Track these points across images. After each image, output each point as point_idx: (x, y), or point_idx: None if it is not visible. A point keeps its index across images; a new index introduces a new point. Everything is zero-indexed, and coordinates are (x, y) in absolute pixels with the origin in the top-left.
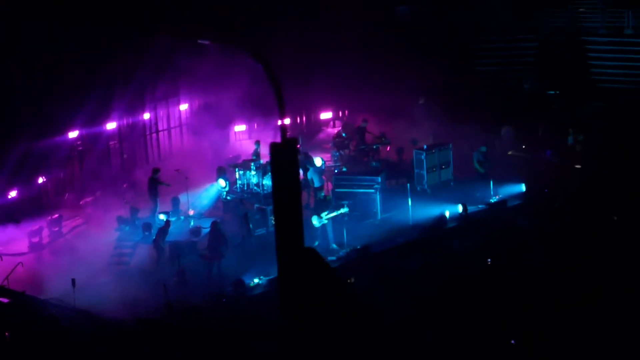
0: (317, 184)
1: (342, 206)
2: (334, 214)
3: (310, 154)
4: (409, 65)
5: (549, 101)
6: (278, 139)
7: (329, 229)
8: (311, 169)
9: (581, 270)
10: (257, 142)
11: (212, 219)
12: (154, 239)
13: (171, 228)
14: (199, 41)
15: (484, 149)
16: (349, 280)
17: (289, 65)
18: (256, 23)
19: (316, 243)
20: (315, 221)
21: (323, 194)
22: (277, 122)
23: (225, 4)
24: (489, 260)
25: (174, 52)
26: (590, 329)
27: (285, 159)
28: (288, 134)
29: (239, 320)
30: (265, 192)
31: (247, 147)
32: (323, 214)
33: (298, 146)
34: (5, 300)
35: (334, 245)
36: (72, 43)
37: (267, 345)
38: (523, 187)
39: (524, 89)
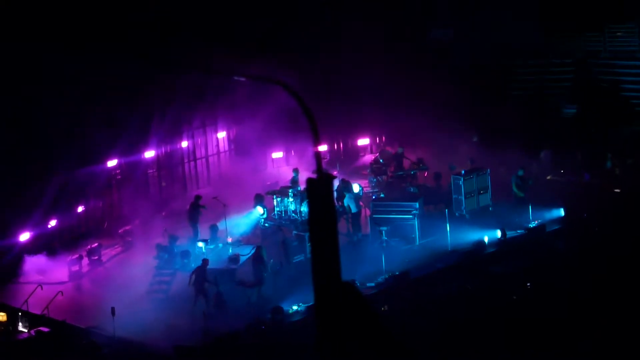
0: (354, 209)
1: None
2: None
3: (348, 180)
4: (445, 90)
5: (587, 125)
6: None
7: None
8: (347, 195)
9: (621, 293)
10: (296, 170)
11: (250, 247)
12: (193, 281)
13: (210, 255)
14: (234, 77)
15: (520, 172)
16: (382, 309)
17: (326, 93)
18: (294, 52)
19: None
20: None
21: None
22: (314, 149)
23: (260, 32)
24: (529, 284)
25: (211, 80)
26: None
27: (322, 194)
28: (326, 160)
29: (277, 347)
30: (303, 219)
31: (284, 173)
32: None
33: (335, 172)
34: (45, 329)
35: None
36: (110, 75)
37: None
38: (562, 212)
39: (562, 113)
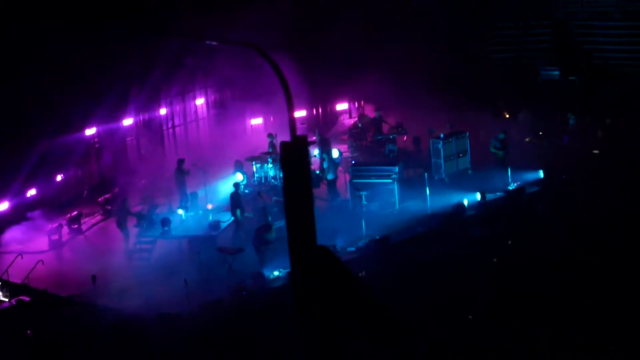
0: (330, 176)
1: None
2: None
3: (327, 139)
4: (423, 54)
5: (565, 87)
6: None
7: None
8: (327, 158)
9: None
10: (270, 135)
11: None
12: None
13: (190, 223)
14: (207, 42)
15: (502, 135)
16: (359, 274)
17: (304, 58)
18: (271, 17)
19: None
20: None
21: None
22: (289, 114)
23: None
24: (510, 242)
25: (188, 46)
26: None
27: (296, 157)
28: (304, 126)
29: (260, 312)
30: (282, 184)
31: (264, 139)
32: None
33: (313, 138)
34: (26, 298)
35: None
36: (86, 42)
37: (286, 337)
38: (541, 174)
39: (541, 75)
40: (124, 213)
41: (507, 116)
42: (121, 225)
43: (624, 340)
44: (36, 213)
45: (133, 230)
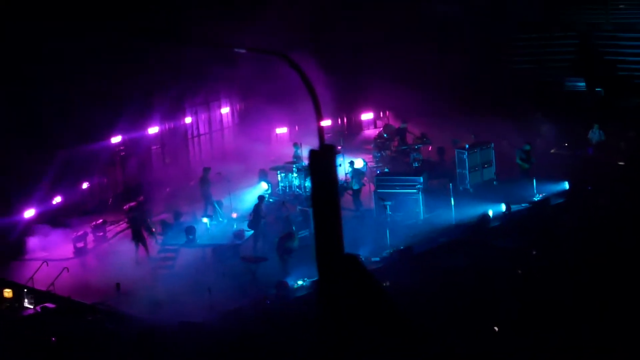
0: (355, 186)
1: None
2: None
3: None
4: (448, 64)
5: (590, 98)
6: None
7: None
8: (352, 169)
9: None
10: (296, 145)
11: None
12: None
13: (214, 231)
14: (235, 50)
15: (527, 147)
16: (385, 284)
17: (329, 68)
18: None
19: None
20: None
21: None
22: (317, 124)
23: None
24: (534, 252)
25: (214, 54)
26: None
27: (324, 165)
28: (330, 135)
29: (282, 321)
30: (307, 194)
31: (288, 148)
32: None
33: (339, 148)
34: (51, 305)
35: None
36: (111, 51)
37: (309, 346)
38: (566, 185)
39: (565, 86)
40: (142, 221)
41: (543, 130)
42: (139, 232)
43: (633, 342)
44: (73, 220)
45: (155, 239)
